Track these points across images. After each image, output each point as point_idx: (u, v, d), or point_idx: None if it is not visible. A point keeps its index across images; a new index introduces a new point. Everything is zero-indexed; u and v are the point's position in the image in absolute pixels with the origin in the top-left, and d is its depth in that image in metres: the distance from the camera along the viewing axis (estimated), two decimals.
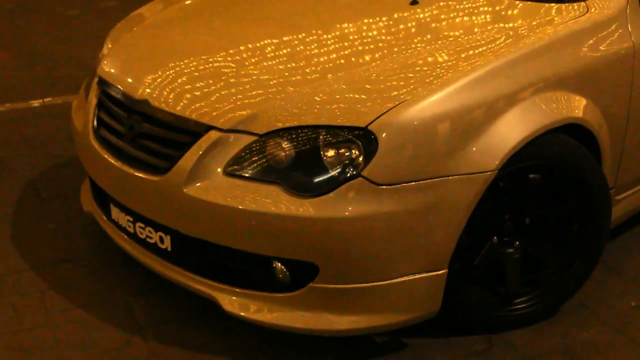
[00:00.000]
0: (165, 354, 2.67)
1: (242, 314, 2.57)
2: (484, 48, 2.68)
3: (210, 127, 2.53)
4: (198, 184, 2.51)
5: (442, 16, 3.07)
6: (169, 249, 2.68)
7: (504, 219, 2.70)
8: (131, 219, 2.77)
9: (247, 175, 2.47)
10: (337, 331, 2.53)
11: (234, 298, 2.58)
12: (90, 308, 2.92)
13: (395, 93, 2.48)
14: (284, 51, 2.89)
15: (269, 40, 2.96)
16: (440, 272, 2.53)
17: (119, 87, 2.88)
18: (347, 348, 2.70)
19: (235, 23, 3.27)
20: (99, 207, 3.09)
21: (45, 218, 3.59)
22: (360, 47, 2.85)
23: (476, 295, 2.71)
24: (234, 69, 2.81)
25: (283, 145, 2.46)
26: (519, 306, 2.79)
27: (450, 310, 2.67)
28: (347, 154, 2.41)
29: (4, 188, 3.86)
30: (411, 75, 2.57)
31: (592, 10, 2.92)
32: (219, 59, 2.92)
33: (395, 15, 3.07)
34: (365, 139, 2.38)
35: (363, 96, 2.52)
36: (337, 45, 2.91)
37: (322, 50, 2.88)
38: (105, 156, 2.82)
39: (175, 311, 2.89)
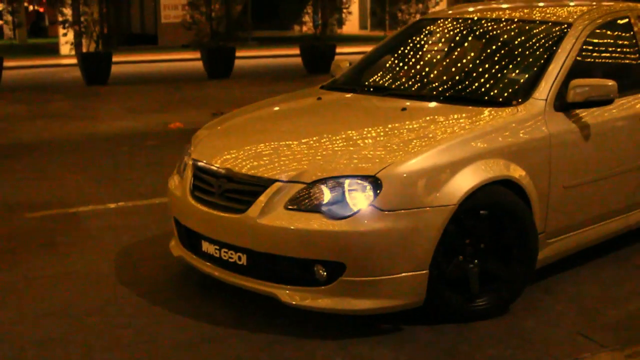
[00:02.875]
0: (242, 340, 3.98)
1: (293, 303, 3.92)
2: (449, 132, 4.16)
3: (275, 180, 3.98)
4: (267, 216, 3.92)
5: (425, 109, 4.60)
6: (245, 264, 4.06)
7: (465, 243, 4.08)
8: (218, 247, 4.16)
9: (300, 208, 3.89)
10: (357, 311, 3.89)
11: (288, 292, 3.94)
12: (184, 312, 4.24)
13: (390, 159, 3.94)
14: (305, 146, 4.33)
15: (292, 141, 4.40)
16: (423, 272, 3.90)
17: (209, 163, 4.35)
18: (361, 330, 4.01)
19: (267, 132, 4.73)
20: (188, 250, 4.48)
21: (139, 270, 4.96)
22: (360, 141, 4.29)
23: (449, 294, 4.05)
24: (278, 150, 4.29)
25: (322, 190, 3.90)
26: (480, 304, 4.13)
27: (433, 304, 4.01)
28: (361, 193, 3.84)
29: (103, 256, 5.22)
30: (400, 149, 4.03)
31: (520, 111, 4.42)
32: (266, 145, 4.39)
33: (384, 117, 4.58)
34: (374, 182, 3.82)
35: (368, 162, 3.96)
36: (344, 143, 4.33)
37: (333, 144, 4.28)
38: (200, 208, 4.25)
39: (243, 312, 4.21)
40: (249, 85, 16.35)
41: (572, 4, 5.64)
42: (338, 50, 19.90)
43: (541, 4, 5.70)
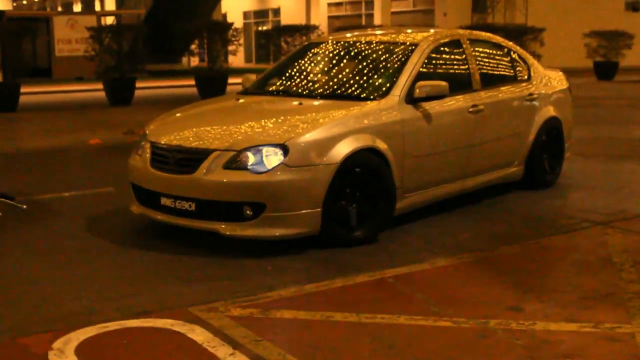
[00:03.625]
0: (194, 261, 5.68)
1: (227, 233, 5.68)
2: (332, 117, 6.03)
3: (214, 150, 5.74)
4: (210, 175, 5.67)
5: (315, 103, 6.46)
6: (194, 209, 5.78)
7: (346, 191, 5.93)
8: (173, 200, 5.87)
9: (232, 168, 5.66)
10: (274, 236, 5.67)
11: (224, 226, 5.69)
12: (146, 247, 5.91)
13: (293, 133, 5.76)
14: (233, 128, 6.05)
15: (224, 125, 6.18)
16: (318, 209, 5.72)
17: (165, 142, 6.08)
18: (279, 251, 5.77)
19: (204, 120, 6.46)
20: (148, 207, 6.17)
21: (107, 227, 6.59)
22: (272, 123, 6.10)
23: (336, 226, 5.88)
24: (214, 131, 6.06)
25: (248, 155, 5.68)
26: (357, 234, 5.98)
27: (325, 233, 5.82)
28: (274, 156, 5.65)
29: (75, 223, 6.79)
30: (299, 127, 5.87)
31: (382, 103, 6.34)
32: (204, 128, 6.15)
33: (286, 108, 6.44)
34: (283, 148, 5.64)
35: (279, 136, 5.78)
36: (262, 124, 6.05)
37: (253, 126, 6.08)
38: (160, 174, 5.96)
39: (193, 244, 5.92)
40: (151, 110, 17.78)
41: (431, 30, 7.64)
42: (230, 80, 21.56)
43: (402, 31, 7.68)
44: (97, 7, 60.93)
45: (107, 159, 10.74)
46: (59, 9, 69.52)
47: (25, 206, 3.19)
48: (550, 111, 8.10)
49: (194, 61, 37.15)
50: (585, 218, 6.79)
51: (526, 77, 8.09)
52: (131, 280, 5.27)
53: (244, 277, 5.28)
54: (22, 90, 19.36)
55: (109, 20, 35.22)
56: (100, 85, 20.83)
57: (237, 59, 33.71)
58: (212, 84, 20.70)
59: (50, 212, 7.25)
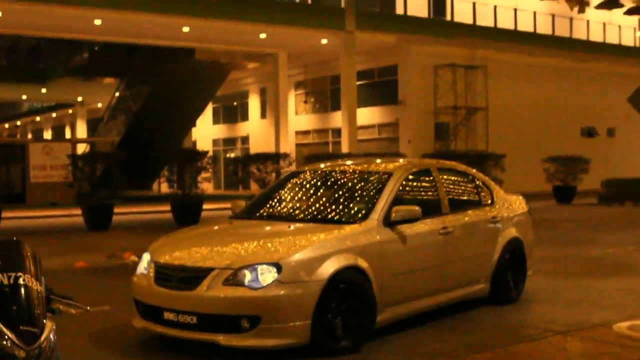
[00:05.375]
0: None
1: (226, 344, 6.27)
2: (319, 239, 6.74)
3: (214, 268, 6.40)
4: (211, 291, 6.31)
5: (303, 226, 7.18)
6: (195, 322, 6.38)
7: (332, 306, 6.58)
8: (176, 314, 6.47)
9: (231, 284, 6.31)
10: (270, 347, 6.27)
11: (223, 337, 6.29)
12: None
13: (286, 253, 6.46)
14: (229, 248, 6.78)
15: (220, 246, 6.88)
16: (308, 322, 6.35)
17: (167, 261, 6.73)
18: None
19: (202, 242, 7.14)
20: (151, 322, 6.75)
21: (110, 341, 7.12)
22: (265, 244, 6.80)
23: (324, 337, 6.49)
24: (212, 251, 6.73)
25: (245, 272, 6.35)
26: (343, 344, 6.59)
27: (314, 343, 6.44)
28: (269, 273, 6.32)
29: (79, 338, 7.34)
30: (291, 247, 6.57)
31: (362, 226, 7.08)
32: (203, 249, 6.83)
33: (277, 231, 7.15)
34: (277, 265, 6.32)
35: (272, 255, 6.47)
36: (255, 245, 6.78)
37: (248, 246, 6.79)
38: (163, 290, 6.58)
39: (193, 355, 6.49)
40: (129, 235, 18.47)
41: (401, 160, 8.50)
42: (204, 206, 22.12)
43: (373, 161, 8.53)
44: (68, 134, 62.17)
45: (95, 281, 11.28)
46: (29, 135, 70.75)
47: (88, 307, 3.75)
48: (512, 232, 8.90)
49: (164, 187, 37.97)
50: (547, 328, 7.49)
51: (489, 201, 8.92)
52: None
53: None
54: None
55: (82, 147, 36.17)
56: (75, 210, 21.44)
57: (206, 185, 34.51)
58: (187, 210, 21.27)
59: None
